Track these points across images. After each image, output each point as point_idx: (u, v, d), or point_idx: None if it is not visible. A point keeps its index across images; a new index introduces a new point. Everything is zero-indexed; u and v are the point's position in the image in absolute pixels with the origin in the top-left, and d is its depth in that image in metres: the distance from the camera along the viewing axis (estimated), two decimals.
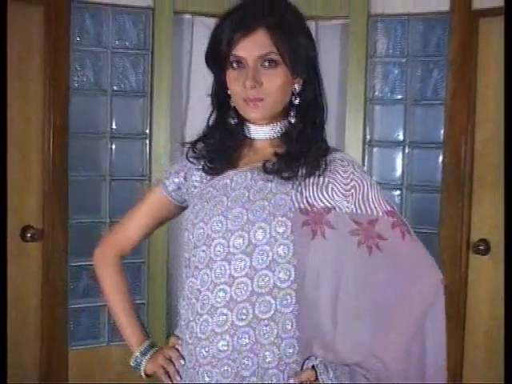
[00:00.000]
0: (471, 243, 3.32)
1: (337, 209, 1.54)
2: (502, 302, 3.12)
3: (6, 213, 2.15)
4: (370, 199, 1.58)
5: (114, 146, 3.46)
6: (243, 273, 1.51)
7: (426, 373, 1.59)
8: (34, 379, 3.29)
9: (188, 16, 3.50)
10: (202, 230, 1.57)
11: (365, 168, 3.47)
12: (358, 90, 3.46)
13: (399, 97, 3.55)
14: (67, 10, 3.22)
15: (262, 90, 1.52)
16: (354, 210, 1.56)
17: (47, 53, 3.19)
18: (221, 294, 1.52)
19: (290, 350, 1.51)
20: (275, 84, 1.52)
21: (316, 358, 1.52)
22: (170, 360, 1.63)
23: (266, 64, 1.52)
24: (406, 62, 3.50)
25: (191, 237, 1.59)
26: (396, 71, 3.54)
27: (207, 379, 1.51)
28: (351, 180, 1.57)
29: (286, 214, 1.51)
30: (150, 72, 3.44)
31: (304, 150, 1.58)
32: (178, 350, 1.63)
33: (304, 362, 1.52)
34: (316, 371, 1.50)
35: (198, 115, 3.43)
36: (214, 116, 1.67)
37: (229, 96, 1.60)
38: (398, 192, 3.55)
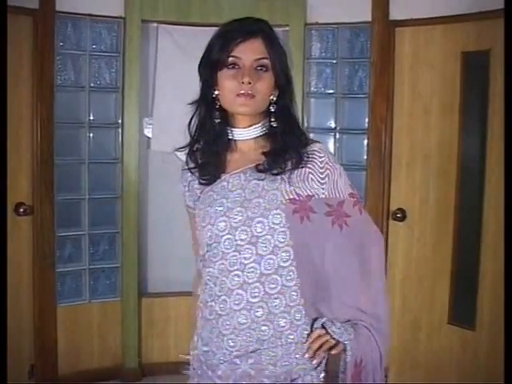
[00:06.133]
0: (390, 212, 3.71)
1: (315, 196, 1.65)
2: (415, 258, 3.67)
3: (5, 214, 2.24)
4: (339, 185, 1.68)
5: (91, 135, 3.78)
6: (251, 259, 1.62)
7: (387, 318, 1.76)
8: (30, 330, 3.64)
9: (154, 24, 3.85)
10: (210, 232, 1.66)
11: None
12: (296, 86, 3.39)
13: (331, 91, 3.86)
14: (52, 20, 3.51)
15: (255, 88, 1.61)
16: (327, 195, 1.66)
17: (35, 56, 3.49)
18: (235, 278, 1.63)
19: (299, 315, 1.65)
20: (265, 85, 1.63)
21: (322, 318, 1.66)
22: None
23: (259, 67, 1.63)
24: (336, 63, 3.82)
25: (202, 238, 1.70)
26: (328, 70, 3.85)
27: (232, 344, 1.64)
28: (326, 169, 1.67)
29: (280, 207, 1.62)
30: (122, 71, 3.76)
31: (287, 145, 1.66)
32: None
33: (313, 324, 1.66)
34: (325, 328, 1.65)
35: (163, 107, 3.92)
36: (198, 118, 1.72)
37: (214, 98, 1.68)
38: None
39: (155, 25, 3.88)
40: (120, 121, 3.83)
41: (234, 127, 1.71)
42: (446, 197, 3.57)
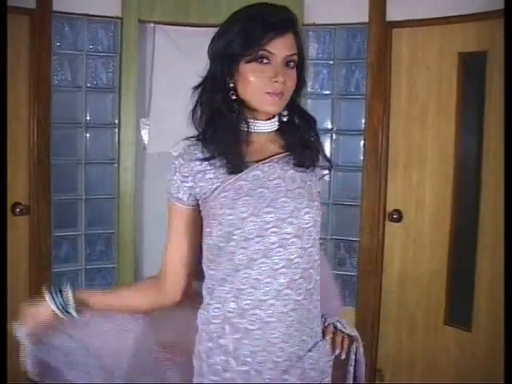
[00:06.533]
0: (387, 213, 3.71)
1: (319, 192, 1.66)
2: (411, 259, 3.69)
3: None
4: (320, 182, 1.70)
5: (88, 135, 3.76)
6: (296, 254, 1.52)
7: None
8: None
9: (151, 25, 3.84)
10: (253, 223, 1.50)
11: None
12: None
13: (327, 92, 3.84)
14: (49, 20, 3.49)
15: (285, 87, 1.53)
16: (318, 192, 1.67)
17: (32, 56, 3.47)
18: (281, 277, 1.51)
19: (318, 311, 1.63)
20: (293, 82, 1.57)
21: (330, 317, 1.68)
22: None
23: (287, 63, 1.54)
24: (333, 64, 3.81)
25: (238, 231, 1.51)
26: (325, 71, 3.83)
27: (280, 353, 1.53)
28: (320, 167, 1.69)
29: (316, 199, 1.59)
30: (119, 71, 3.73)
31: (310, 140, 1.64)
32: None
33: (324, 321, 1.68)
34: (335, 326, 1.67)
35: (160, 108, 3.92)
36: (209, 106, 1.60)
37: (229, 90, 1.57)
38: (326, 171, 3.82)
39: (152, 25, 3.86)
40: (117, 121, 3.80)
41: (253, 119, 1.60)
42: (443, 198, 3.57)
